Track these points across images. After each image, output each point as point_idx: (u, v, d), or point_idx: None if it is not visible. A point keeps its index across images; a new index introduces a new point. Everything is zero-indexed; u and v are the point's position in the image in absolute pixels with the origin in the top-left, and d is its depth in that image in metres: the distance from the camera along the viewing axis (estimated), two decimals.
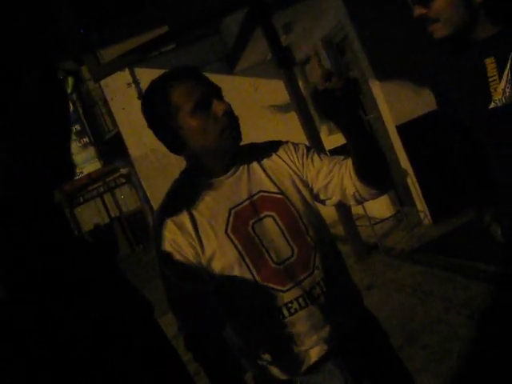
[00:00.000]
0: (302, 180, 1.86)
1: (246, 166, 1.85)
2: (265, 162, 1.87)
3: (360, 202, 1.86)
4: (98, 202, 23.06)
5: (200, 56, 9.24)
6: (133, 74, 9.19)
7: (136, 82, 9.26)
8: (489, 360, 3.33)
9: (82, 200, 23.13)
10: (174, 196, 1.86)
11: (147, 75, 9.16)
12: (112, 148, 16.52)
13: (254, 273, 1.74)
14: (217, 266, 1.74)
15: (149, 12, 6.28)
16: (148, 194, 9.49)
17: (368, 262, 6.53)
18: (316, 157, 1.87)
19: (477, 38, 1.82)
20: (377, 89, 6.63)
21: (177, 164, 8.92)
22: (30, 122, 0.96)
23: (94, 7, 5.73)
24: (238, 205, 1.77)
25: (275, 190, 1.81)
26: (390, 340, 2.03)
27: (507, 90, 1.73)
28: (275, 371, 1.84)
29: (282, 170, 1.86)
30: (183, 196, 1.83)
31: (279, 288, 1.75)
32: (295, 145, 1.93)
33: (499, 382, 3.01)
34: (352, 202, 1.86)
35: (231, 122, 1.75)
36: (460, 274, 4.80)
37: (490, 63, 1.77)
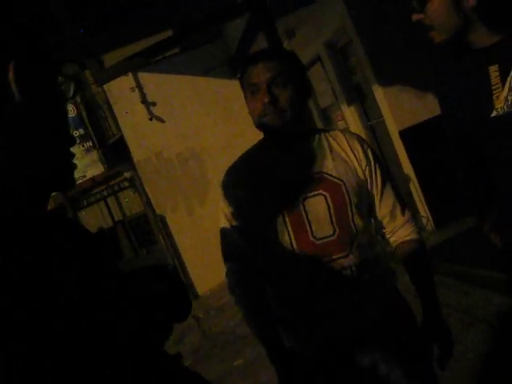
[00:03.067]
0: (364, 176, 1.98)
1: (316, 146, 2.00)
2: (335, 147, 2.00)
3: None
4: (102, 206, 23.08)
5: (203, 60, 9.26)
6: (136, 79, 9.21)
7: (139, 86, 9.27)
8: (490, 366, 3.32)
9: (85, 203, 23.15)
10: (244, 159, 2.09)
11: (150, 80, 9.20)
12: (116, 152, 16.56)
13: (293, 241, 1.90)
14: (265, 228, 1.94)
15: (152, 17, 6.29)
16: (151, 198, 9.50)
17: None
18: (379, 189, 2.01)
19: (478, 45, 1.81)
20: (380, 94, 6.63)
21: (180, 168, 8.96)
22: (25, 129, 0.96)
23: (98, 12, 5.74)
24: (298, 178, 1.94)
25: (336, 175, 1.93)
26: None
27: (509, 98, 1.73)
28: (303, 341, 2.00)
29: (348, 161, 1.97)
30: (251, 162, 2.05)
31: (313, 259, 1.90)
32: (369, 153, 2.04)
33: None
34: None
35: (271, 111, 1.91)
36: (462, 280, 4.79)
37: (494, 71, 1.77)
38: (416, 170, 6.58)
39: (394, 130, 6.64)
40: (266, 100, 1.89)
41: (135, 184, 10.48)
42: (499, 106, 1.76)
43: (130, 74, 9.01)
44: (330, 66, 7.97)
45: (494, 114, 1.78)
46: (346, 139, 2.02)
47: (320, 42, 7.83)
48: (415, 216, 2.06)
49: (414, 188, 6.75)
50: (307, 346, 1.98)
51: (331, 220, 1.89)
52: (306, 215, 1.89)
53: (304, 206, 1.89)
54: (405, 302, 2.12)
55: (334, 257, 1.89)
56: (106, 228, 21.74)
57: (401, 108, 6.49)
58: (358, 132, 7.83)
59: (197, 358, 6.21)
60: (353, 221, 1.92)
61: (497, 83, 1.76)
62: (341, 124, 8.58)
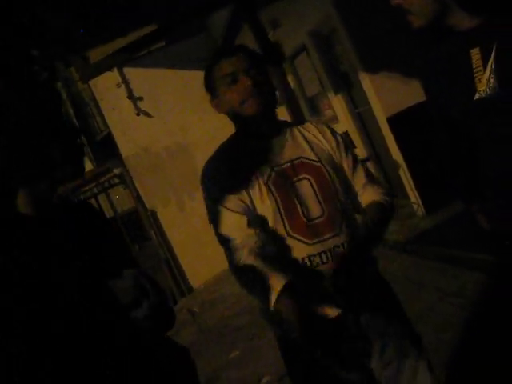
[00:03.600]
0: (337, 158, 2.10)
1: (290, 134, 2.10)
2: (307, 134, 2.11)
3: None
4: (93, 203, 23.01)
5: (189, 53, 9.23)
6: (122, 74, 9.17)
7: (125, 81, 9.24)
8: (482, 348, 3.35)
9: (76, 201, 23.06)
10: (223, 150, 2.12)
11: (136, 74, 9.16)
12: (104, 148, 16.47)
13: (286, 223, 1.96)
14: (257, 210, 1.98)
15: (136, 11, 6.25)
16: (141, 194, 9.48)
17: None
18: (350, 163, 2.13)
19: (458, 28, 1.82)
20: (366, 81, 6.63)
21: (169, 163, 8.94)
22: (19, 122, 0.96)
23: (81, 7, 5.70)
24: (280, 165, 2.01)
25: (314, 158, 2.04)
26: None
27: (491, 81, 1.74)
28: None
29: (321, 145, 2.10)
30: (231, 151, 2.09)
31: (305, 240, 1.96)
32: (336, 135, 2.18)
33: (492, 369, 3.02)
34: None
35: (252, 94, 1.98)
36: (453, 264, 4.82)
37: (475, 54, 1.77)
38: (405, 156, 6.59)
39: (381, 116, 6.65)
40: (249, 83, 1.97)
41: (125, 180, 10.44)
42: (482, 89, 1.76)
43: (116, 70, 8.97)
44: (316, 55, 7.96)
45: (476, 96, 1.78)
46: (316, 127, 2.15)
47: (305, 32, 7.82)
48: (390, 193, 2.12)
49: (404, 174, 6.76)
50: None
51: (318, 201, 1.98)
52: (296, 197, 1.96)
53: (292, 189, 1.97)
54: (386, 281, 2.22)
55: (325, 236, 1.97)
56: None
57: (388, 95, 6.49)
58: (345, 120, 7.85)
59: (193, 351, 6.19)
60: (338, 200, 2.02)
61: (478, 66, 1.77)
62: (328, 112, 8.58)
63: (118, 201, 22.39)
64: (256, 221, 1.98)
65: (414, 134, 6.30)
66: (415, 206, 6.87)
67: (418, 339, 2.19)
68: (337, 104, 8.04)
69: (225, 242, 2.05)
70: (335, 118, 8.31)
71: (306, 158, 2.03)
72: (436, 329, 3.87)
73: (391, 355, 2.07)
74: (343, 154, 2.12)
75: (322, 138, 2.11)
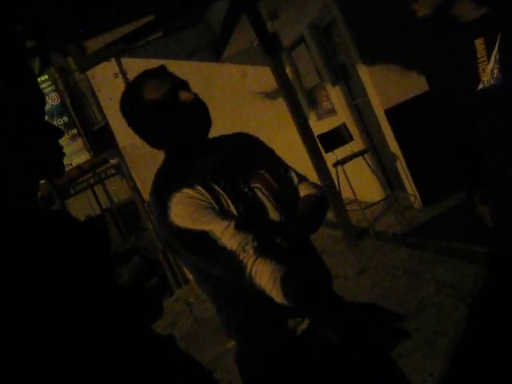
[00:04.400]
0: (273, 165, 2.06)
1: (225, 149, 1.99)
2: (240, 145, 2.05)
3: None
4: (89, 194, 22.97)
5: (187, 44, 9.21)
6: (120, 65, 9.15)
7: (123, 72, 9.21)
8: (480, 341, 3.36)
9: (72, 192, 23.03)
10: (165, 174, 1.95)
11: (134, 65, 9.13)
12: (101, 139, 16.46)
13: (255, 231, 1.84)
14: (220, 221, 1.82)
15: (134, 1, 6.23)
16: (138, 184, 9.47)
17: (359, 246, 6.55)
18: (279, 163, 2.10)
19: (463, 18, 1.81)
20: (364, 73, 6.62)
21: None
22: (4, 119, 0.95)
23: None
24: (228, 179, 1.89)
25: (255, 166, 1.98)
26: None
27: (495, 71, 1.73)
28: (262, 338, 1.97)
29: (255, 154, 2.05)
30: (176, 174, 1.90)
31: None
32: (266, 146, 2.14)
33: (490, 362, 3.03)
34: None
35: (199, 108, 1.91)
36: (450, 256, 4.82)
37: (480, 44, 1.77)
38: (402, 148, 6.59)
39: (379, 108, 6.64)
40: (192, 97, 1.88)
41: (122, 170, 10.44)
42: (485, 79, 1.76)
43: (113, 60, 8.95)
44: (314, 47, 7.95)
45: (480, 86, 1.78)
46: (242, 138, 2.11)
47: (303, 23, 7.81)
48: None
49: (401, 166, 6.77)
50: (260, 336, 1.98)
51: (274, 206, 1.92)
52: (257, 207, 1.90)
53: (250, 200, 1.90)
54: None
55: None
56: (93, 216, 21.66)
57: (386, 86, 6.49)
58: (343, 112, 7.85)
59: (189, 342, 6.22)
60: (286, 202, 1.97)
61: (482, 56, 1.76)
62: (326, 104, 8.58)
63: (114, 191, 22.43)
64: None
65: (412, 126, 6.32)
66: (412, 198, 6.88)
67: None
68: (335, 96, 8.04)
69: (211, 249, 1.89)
70: (333, 110, 8.31)
71: (249, 169, 1.98)
72: (433, 321, 3.88)
73: None
74: (277, 162, 2.11)
75: (253, 147, 2.09)
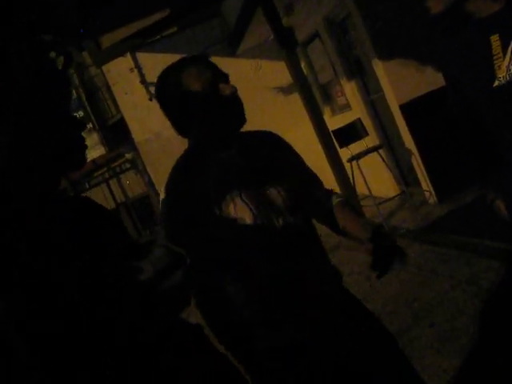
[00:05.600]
0: (290, 164, 2.04)
1: (245, 145, 1.96)
2: (259, 144, 2.02)
3: None
4: (104, 188, 23.05)
5: (202, 39, 9.21)
6: (135, 59, 9.17)
7: (138, 66, 9.23)
8: (496, 337, 3.34)
9: (87, 186, 23.12)
10: (183, 167, 1.99)
11: (149, 60, 9.14)
12: (116, 133, 16.50)
13: (265, 231, 1.88)
14: (232, 224, 1.87)
15: None
16: (152, 179, 9.49)
17: None
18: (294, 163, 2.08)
19: (478, 15, 1.80)
20: (380, 68, 6.59)
21: (180, 148, 8.86)
22: (25, 108, 0.96)
23: None
24: (245, 175, 1.91)
25: (273, 166, 1.97)
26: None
27: (511, 68, 1.72)
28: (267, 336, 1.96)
29: (273, 153, 2.01)
30: (193, 168, 1.95)
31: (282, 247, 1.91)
32: (283, 143, 2.10)
33: (506, 359, 3.02)
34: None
35: (236, 104, 1.88)
36: (465, 251, 4.81)
37: (495, 40, 1.76)
38: (417, 143, 6.56)
39: (394, 104, 6.61)
40: (232, 90, 1.85)
41: (137, 165, 10.47)
42: (501, 76, 1.75)
43: (129, 55, 8.96)
44: (329, 42, 7.93)
45: (496, 83, 1.77)
46: (268, 137, 2.08)
47: (319, 17, 7.78)
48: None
49: (416, 162, 6.74)
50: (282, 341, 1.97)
51: (288, 208, 1.92)
52: (269, 205, 1.90)
53: (263, 198, 1.90)
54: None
55: (294, 241, 1.94)
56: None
57: (401, 82, 6.45)
58: (358, 107, 7.82)
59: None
60: (302, 206, 1.98)
61: (498, 53, 1.75)
62: (341, 99, 8.56)
63: (129, 186, 22.50)
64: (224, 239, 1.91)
65: (427, 121, 6.29)
66: (427, 194, 6.85)
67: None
68: (349, 91, 8.01)
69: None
70: (348, 105, 8.28)
71: (265, 167, 1.97)
72: (449, 317, 3.87)
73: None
74: (292, 160, 2.09)
75: (270, 146, 2.05)
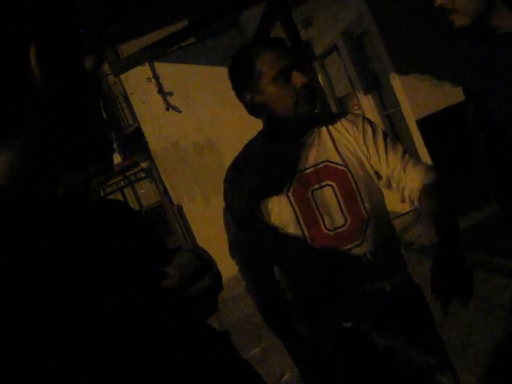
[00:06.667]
0: (364, 156, 1.94)
1: (317, 133, 1.93)
2: (334, 132, 1.95)
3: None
4: (119, 196, 23.13)
5: (220, 50, 9.24)
6: (153, 69, 9.22)
7: (156, 76, 9.28)
8: (508, 354, 3.31)
9: (102, 194, 23.25)
10: (246, 156, 2.00)
11: (167, 70, 9.20)
12: (132, 142, 16.60)
13: (306, 234, 1.86)
14: (274, 222, 1.88)
15: (168, 6, 6.29)
16: (168, 188, 9.52)
17: None
18: (381, 147, 1.95)
19: (502, 29, 1.80)
20: (397, 83, 6.59)
21: (196, 158, 8.98)
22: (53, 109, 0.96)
23: (114, 1, 5.76)
24: (303, 170, 1.89)
25: (340, 161, 1.90)
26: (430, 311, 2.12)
27: None
28: (314, 328, 1.99)
29: (347, 143, 1.94)
30: (254, 156, 1.96)
31: (326, 252, 1.88)
32: (364, 125, 1.99)
33: None
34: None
35: (307, 93, 1.85)
36: (479, 268, 4.77)
37: None
38: (434, 159, 6.53)
39: (411, 119, 6.60)
40: (304, 81, 1.82)
41: (152, 174, 10.51)
42: None
43: (147, 64, 9.01)
44: (347, 55, 7.94)
45: None
46: (341, 122, 1.98)
47: (337, 31, 7.79)
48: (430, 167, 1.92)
49: None
50: (325, 335, 1.98)
51: (341, 210, 1.87)
52: (317, 207, 1.86)
53: (314, 198, 1.86)
54: (417, 286, 2.11)
55: (348, 246, 1.87)
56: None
57: (418, 97, 6.44)
58: (374, 121, 7.80)
59: None
60: (364, 207, 1.89)
61: None
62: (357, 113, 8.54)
63: (143, 194, 22.58)
64: (267, 233, 1.94)
65: (444, 137, 6.27)
66: None
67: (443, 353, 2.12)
68: (366, 105, 8.01)
69: (235, 257, 2.10)
70: None
71: (331, 162, 1.89)
72: (461, 334, 3.84)
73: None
74: (373, 142, 1.95)
75: (349, 137, 1.94)
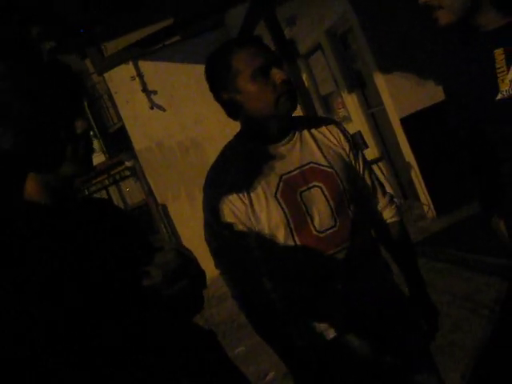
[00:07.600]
0: (349, 159, 1.94)
1: (299, 135, 1.90)
2: (317, 134, 1.92)
3: None
4: (103, 195, 23.04)
5: (205, 48, 9.17)
6: (137, 67, 9.19)
7: (140, 75, 9.25)
8: (493, 353, 3.33)
9: (86, 193, 23.13)
10: (227, 156, 1.92)
11: (151, 68, 9.17)
12: (117, 141, 16.54)
13: (296, 237, 1.82)
14: (263, 225, 1.83)
15: (153, 4, 6.26)
16: (152, 187, 9.49)
17: None
18: (360, 163, 1.98)
19: (484, 28, 1.81)
20: (381, 81, 6.61)
21: (181, 157, 8.96)
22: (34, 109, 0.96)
23: (99, 0, 5.72)
24: (289, 172, 1.84)
25: (325, 163, 1.87)
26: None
27: None
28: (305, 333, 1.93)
29: (332, 146, 1.92)
30: (236, 157, 1.88)
31: (316, 254, 1.84)
32: (350, 139, 1.98)
33: (503, 374, 3.01)
34: None
35: (288, 89, 1.81)
36: (463, 266, 4.80)
37: (499, 54, 1.76)
38: (417, 157, 6.57)
39: (395, 117, 6.62)
40: (284, 77, 1.78)
41: (136, 173, 10.46)
42: (504, 89, 1.76)
43: (131, 63, 8.98)
44: (331, 54, 7.95)
45: (499, 96, 1.77)
46: (327, 128, 1.95)
47: (321, 30, 7.80)
48: (393, 199, 2.01)
49: (415, 176, 6.74)
50: (319, 340, 1.95)
51: (332, 211, 1.84)
52: (306, 209, 1.82)
53: (302, 200, 1.82)
54: (401, 293, 2.09)
55: (338, 248, 1.84)
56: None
57: (402, 95, 6.47)
58: (358, 120, 7.83)
59: None
60: (349, 209, 1.87)
61: (501, 66, 1.76)
62: (341, 112, 8.57)
63: (128, 193, 22.50)
64: (257, 238, 1.86)
65: (427, 135, 6.30)
66: (426, 208, 6.85)
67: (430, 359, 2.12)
68: (350, 103, 8.03)
69: (219, 265, 2.02)
70: (348, 118, 8.30)
71: (317, 164, 1.86)
72: (445, 332, 3.86)
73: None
74: (354, 158, 1.95)
75: (334, 140, 1.92)
